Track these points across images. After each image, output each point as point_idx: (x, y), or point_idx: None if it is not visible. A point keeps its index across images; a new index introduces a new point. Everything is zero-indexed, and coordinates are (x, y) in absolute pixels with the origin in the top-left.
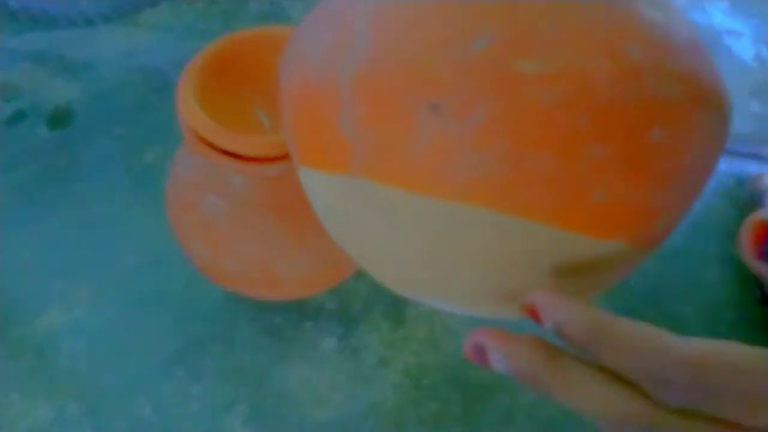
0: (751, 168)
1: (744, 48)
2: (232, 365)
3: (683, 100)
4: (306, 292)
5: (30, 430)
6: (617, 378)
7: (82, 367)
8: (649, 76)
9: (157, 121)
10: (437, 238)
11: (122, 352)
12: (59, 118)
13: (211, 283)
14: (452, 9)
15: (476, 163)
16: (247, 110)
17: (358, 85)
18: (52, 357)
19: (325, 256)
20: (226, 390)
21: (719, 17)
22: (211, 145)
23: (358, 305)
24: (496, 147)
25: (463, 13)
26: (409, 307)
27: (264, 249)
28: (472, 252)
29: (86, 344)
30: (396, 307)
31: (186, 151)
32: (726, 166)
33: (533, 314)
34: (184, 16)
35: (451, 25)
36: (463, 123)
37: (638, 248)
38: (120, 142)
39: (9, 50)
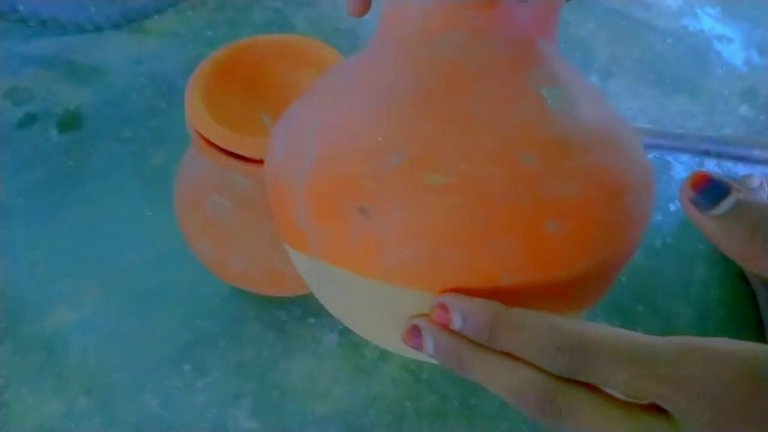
0: (740, 170)
1: (734, 53)
2: (237, 360)
3: (580, 194)
4: (308, 289)
5: (40, 424)
6: (515, 358)
7: (90, 363)
8: (542, 179)
9: (164, 125)
10: (372, 304)
11: (130, 348)
12: (69, 122)
13: (217, 280)
14: (378, 126)
15: (397, 254)
16: (251, 114)
17: (307, 190)
18: (62, 353)
19: None
20: (231, 384)
21: (710, 23)
22: (218, 148)
23: None
24: (410, 243)
25: (386, 130)
26: None
27: (268, 247)
28: (397, 315)
29: (95, 340)
30: None
31: (193, 153)
32: (715, 168)
33: (442, 309)
34: (190, 23)
35: (376, 141)
36: (384, 224)
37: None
38: (128, 145)
39: (19, 55)
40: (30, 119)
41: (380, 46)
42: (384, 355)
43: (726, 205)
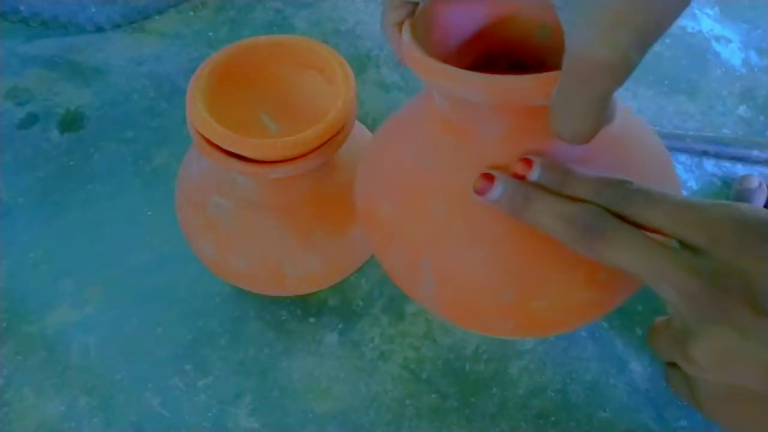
0: (739, 170)
1: (733, 54)
2: (238, 359)
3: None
4: (309, 289)
5: (41, 423)
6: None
7: (92, 362)
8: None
9: (165, 125)
10: None
11: (131, 348)
12: (70, 122)
13: (218, 280)
14: (494, 274)
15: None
16: (252, 115)
17: (433, 303)
18: (63, 352)
19: (328, 254)
20: (232, 383)
21: (708, 23)
22: (219, 148)
23: (359, 301)
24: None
25: (499, 275)
26: (409, 303)
27: (269, 247)
28: None
29: (96, 340)
30: (396, 303)
31: (194, 153)
32: (714, 168)
33: (525, 162)
34: (191, 24)
35: (492, 280)
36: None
37: None
38: (130, 146)
39: (20, 55)
40: (31, 119)
41: (452, 157)
42: (384, 354)
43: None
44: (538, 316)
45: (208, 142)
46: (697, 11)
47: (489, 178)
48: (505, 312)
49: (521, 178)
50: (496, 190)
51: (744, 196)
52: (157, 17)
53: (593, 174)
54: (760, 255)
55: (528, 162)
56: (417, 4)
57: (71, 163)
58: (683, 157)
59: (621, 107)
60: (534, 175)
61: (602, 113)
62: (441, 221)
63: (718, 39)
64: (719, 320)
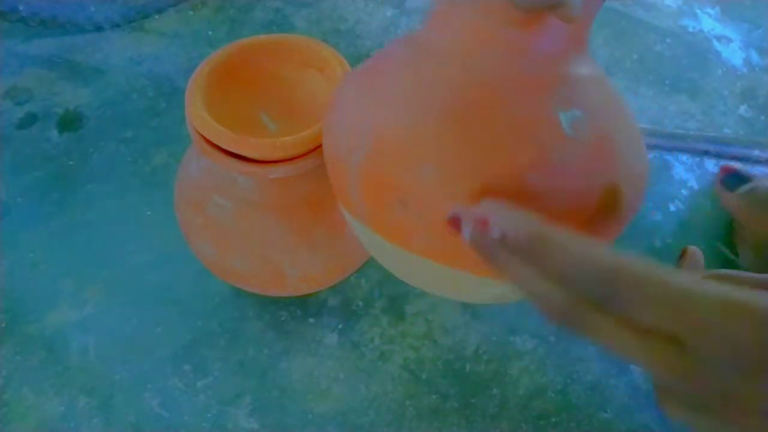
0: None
1: (734, 53)
2: (238, 359)
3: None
4: (309, 289)
5: (40, 423)
6: (542, 274)
7: (91, 363)
8: (540, 196)
9: (165, 125)
10: (406, 268)
11: (131, 348)
12: (69, 122)
13: (217, 280)
14: (417, 138)
15: (426, 238)
16: (252, 114)
17: (359, 176)
18: (62, 352)
19: (328, 255)
20: (231, 383)
21: (710, 23)
22: (218, 148)
23: (359, 301)
24: (436, 233)
25: (423, 143)
26: (409, 303)
27: (269, 247)
28: (424, 275)
29: (95, 340)
30: (395, 304)
31: (194, 153)
32: (715, 168)
33: (482, 224)
34: (191, 23)
35: (414, 151)
36: (417, 215)
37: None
38: (129, 145)
39: (20, 55)
40: (30, 119)
41: (423, 50)
42: (384, 355)
43: (745, 187)
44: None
45: (208, 141)
46: (698, 11)
47: (456, 220)
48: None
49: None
50: (465, 234)
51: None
52: (157, 17)
53: (575, 250)
54: (749, 375)
55: (484, 223)
56: None
57: (70, 162)
58: (684, 157)
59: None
60: (493, 235)
61: None
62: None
63: (719, 39)
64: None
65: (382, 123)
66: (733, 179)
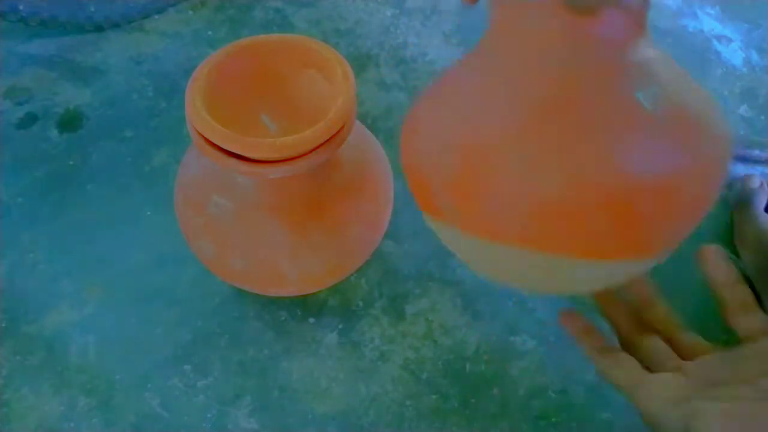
0: (740, 170)
1: (734, 53)
2: (238, 359)
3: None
4: (309, 289)
5: (40, 423)
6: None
7: (91, 363)
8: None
9: (165, 125)
10: (504, 265)
11: (131, 348)
12: (69, 122)
13: (217, 280)
14: (503, 143)
15: (520, 224)
16: (252, 114)
17: (454, 180)
18: (62, 353)
19: (328, 255)
20: (231, 383)
21: (710, 23)
22: (218, 148)
23: (359, 301)
24: (532, 216)
25: (511, 142)
26: (409, 303)
27: (269, 248)
28: (523, 268)
29: (95, 340)
30: (395, 304)
31: (194, 153)
32: None
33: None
34: (191, 23)
35: (504, 148)
36: (511, 206)
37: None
38: (129, 145)
39: (19, 55)
40: (30, 119)
41: (494, 57)
42: (384, 355)
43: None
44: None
45: (208, 141)
46: (698, 11)
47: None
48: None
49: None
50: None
51: (745, 197)
52: (156, 16)
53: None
54: None
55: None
56: None
57: (70, 162)
58: None
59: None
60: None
61: None
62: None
63: (719, 38)
64: None
65: (469, 128)
66: None
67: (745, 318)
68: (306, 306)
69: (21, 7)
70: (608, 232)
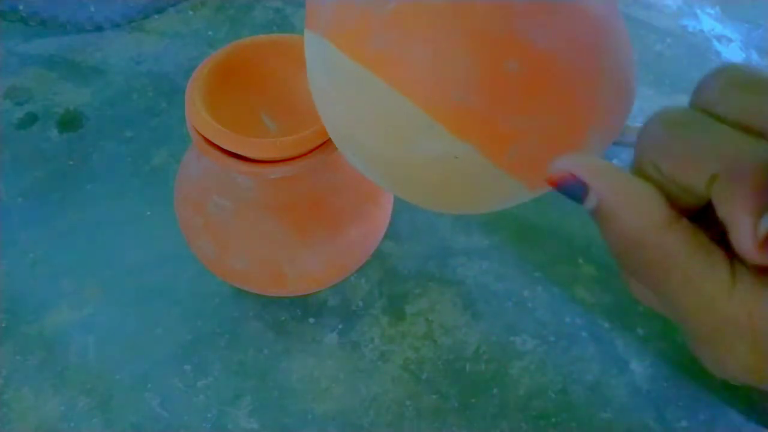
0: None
1: (734, 53)
2: (238, 359)
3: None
4: (309, 289)
5: (40, 423)
6: None
7: (91, 363)
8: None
9: (165, 125)
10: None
11: (131, 348)
12: (69, 122)
13: (217, 280)
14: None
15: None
16: (252, 114)
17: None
18: (62, 353)
19: (328, 255)
20: (231, 383)
21: (710, 23)
22: (218, 148)
23: (359, 301)
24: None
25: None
26: (409, 303)
27: (269, 248)
28: (370, 112)
29: (95, 340)
30: (395, 304)
31: (194, 153)
32: None
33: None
34: (191, 23)
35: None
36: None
37: (488, 160)
38: (129, 145)
39: (20, 55)
40: (30, 119)
41: None
42: (384, 355)
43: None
44: None
45: (208, 141)
46: (698, 11)
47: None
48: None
49: None
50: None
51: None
52: (157, 16)
53: None
54: None
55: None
56: None
57: (70, 162)
58: None
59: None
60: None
61: None
62: None
63: (719, 38)
64: None
65: None
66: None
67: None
68: (306, 306)
69: (21, 7)
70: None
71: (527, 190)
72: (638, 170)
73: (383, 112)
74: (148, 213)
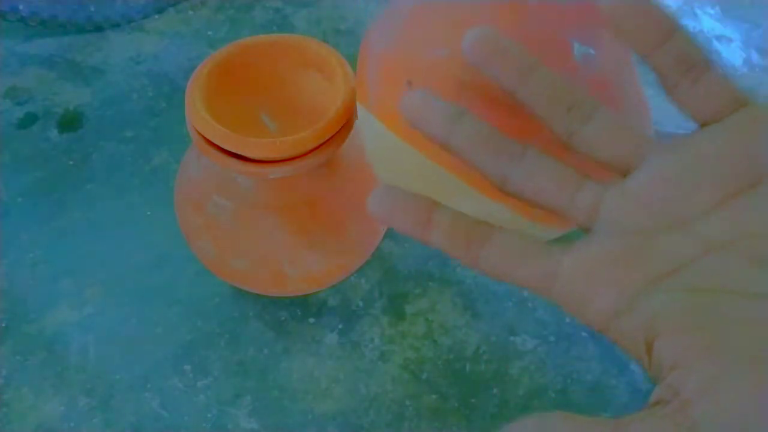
0: None
1: (734, 53)
2: (238, 359)
3: None
4: (309, 289)
5: (40, 424)
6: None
7: (91, 363)
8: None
9: (165, 125)
10: (393, 160)
11: (131, 348)
12: (69, 122)
13: (217, 280)
14: (436, 31)
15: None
16: (252, 114)
17: (381, 56)
18: (62, 353)
19: (328, 254)
20: (231, 383)
21: (709, 23)
22: (218, 148)
23: (359, 301)
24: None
25: (441, 36)
26: (409, 303)
27: (269, 248)
28: (409, 171)
29: (95, 340)
30: (395, 304)
31: (194, 153)
32: None
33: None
34: (191, 23)
35: (430, 38)
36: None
37: (519, 216)
38: (129, 145)
39: (20, 55)
40: (30, 119)
41: None
42: (384, 355)
43: None
44: None
45: (208, 141)
46: (698, 10)
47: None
48: None
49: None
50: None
51: None
52: (156, 16)
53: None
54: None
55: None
56: None
57: (70, 162)
58: None
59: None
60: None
61: None
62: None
63: (719, 38)
64: None
65: (415, 19)
66: None
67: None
68: (306, 306)
69: (21, 7)
70: None
71: (559, 230)
72: None
73: (424, 176)
74: (148, 213)
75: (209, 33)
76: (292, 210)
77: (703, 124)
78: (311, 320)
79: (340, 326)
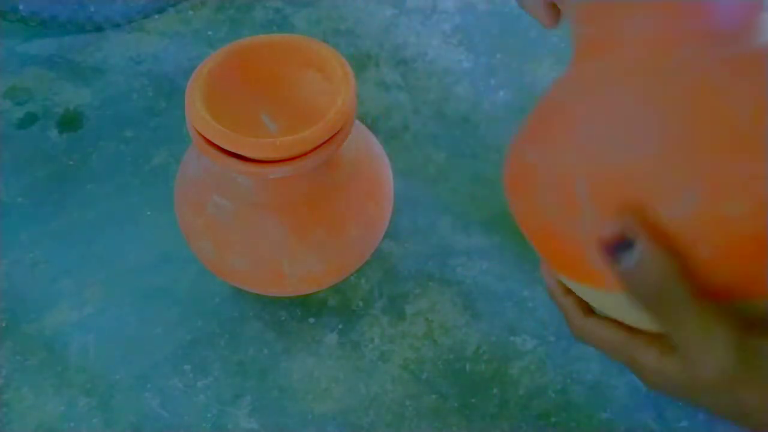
0: None
1: None
2: (238, 359)
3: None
4: (309, 289)
5: (40, 423)
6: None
7: (91, 363)
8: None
9: (165, 125)
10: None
11: (131, 348)
12: (69, 121)
13: (217, 280)
14: (657, 168)
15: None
16: (252, 114)
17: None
18: (62, 352)
19: (328, 255)
20: (231, 383)
21: None
22: (218, 148)
23: (359, 301)
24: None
25: (665, 172)
26: (409, 303)
27: (269, 248)
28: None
29: (95, 340)
30: (395, 304)
31: (194, 153)
32: None
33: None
34: (191, 23)
35: (664, 184)
36: (698, 260)
37: None
38: (129, 145)
39: (20, 55)
40: (30, 119)
41: (601, 73)
42: (384, 355)
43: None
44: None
45: (208, 141)
46: None
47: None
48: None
49: None
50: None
51: None
52: (157, 16)
53: None
54: None
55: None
56: None
57: (70, 162)
58: None
59: None
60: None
61: None
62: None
63: None
64: None
65: (603, 171)
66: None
67: None
68: (306, 306)
69: (21, 7)
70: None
71: None
72: None
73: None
74: (148, 213)
75: (209, 33)
76: (292, 210)
77: None
78: (311, 320)
79: (340, 326)
